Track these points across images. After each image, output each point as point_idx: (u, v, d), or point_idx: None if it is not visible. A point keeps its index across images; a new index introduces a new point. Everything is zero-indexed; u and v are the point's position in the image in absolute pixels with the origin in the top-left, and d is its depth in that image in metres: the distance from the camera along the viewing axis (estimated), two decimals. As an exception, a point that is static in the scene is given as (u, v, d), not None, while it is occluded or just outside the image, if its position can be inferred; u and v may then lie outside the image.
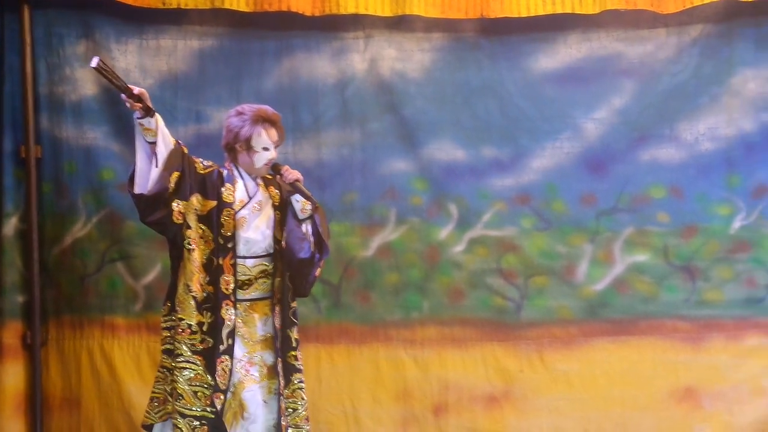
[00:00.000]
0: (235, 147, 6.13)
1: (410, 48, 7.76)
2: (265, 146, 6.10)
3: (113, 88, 5.92)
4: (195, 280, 5.94)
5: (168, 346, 6.01)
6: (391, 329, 7.69)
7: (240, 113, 6.15)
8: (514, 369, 7.65)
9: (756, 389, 7.61)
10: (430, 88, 7.76)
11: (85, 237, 7.55)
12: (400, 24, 7.71)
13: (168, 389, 6.01)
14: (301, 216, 6.09)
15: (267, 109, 6.24)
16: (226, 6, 7.35)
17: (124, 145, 7.47)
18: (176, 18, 7.59)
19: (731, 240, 7.72)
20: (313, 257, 6.11)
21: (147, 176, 5.85)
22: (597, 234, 7.73)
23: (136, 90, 5.82)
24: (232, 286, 5.99)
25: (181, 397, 5.89)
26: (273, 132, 6.15)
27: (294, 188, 6.06)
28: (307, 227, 6.13)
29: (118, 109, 7.39)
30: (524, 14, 7.55)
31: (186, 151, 6.01)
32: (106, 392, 7.48)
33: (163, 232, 6.07)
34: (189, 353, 5.90)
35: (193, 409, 5.89)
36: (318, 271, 6.22)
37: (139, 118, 5.85)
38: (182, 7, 7.37)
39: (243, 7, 7.37)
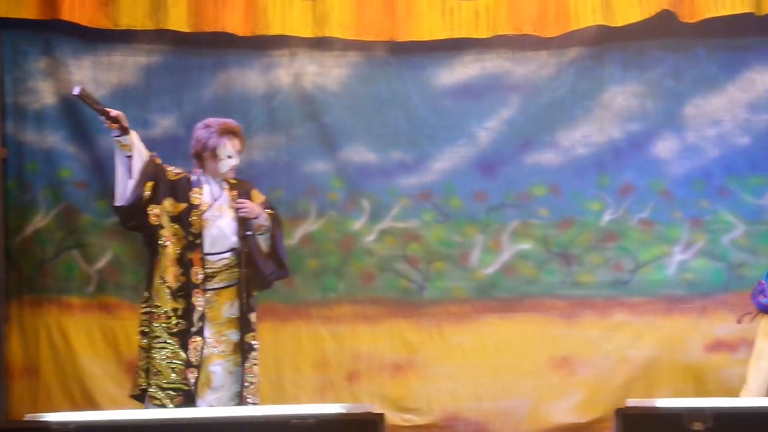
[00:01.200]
0: (203, 155, 6.50)
1: (329, 65, 7.99)
2: (229, 154, 6.49)
3: (94, 111, 6.30)
4: (169, 272, 6.34)
5: (144, 329, 6.40)
6: (312, 308, 7.93)
7: (207, 126, 6.54)
8: (417, 341, 7.90)
9: (622, 359, 7.83)
10: (346, 99, 8.01)
11: (44, 227, 7.90)
12: (320, 44, 7.92)
13: (142, 365, 6.41)
14: (256, 232, 6.56)
15: (231, 122, 6.59)
16: (170, 27, 7.61)
17: (79, 148, 7.84)
18: (126, 37, 7.83)
19: (601, 231, 7.95)
20: (276, 277, 6.70)
21: (125, 189, 6.27)
22: (487, 226, 7.99)
23: (114, 112, 6.19)
24: (200, 276, 6.34)
25: (159, 373, 6.31)
26: (236, 142, 6.53)
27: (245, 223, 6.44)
28: (265, 242, 6.62)
29: (75, 117, 7.78)
30: (427, 38, 7.72)
31: (159, 161, 6.41)
32: (62, 362, 7.81)
33: (141, 233, 6.49)
34: (166, 335, 6.33)
35: (171, 382, 6.32)
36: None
37: (116, 137, 6.27)
38: (131, 28, 7.67)
39: (184, 28, 7.61)
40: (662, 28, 7.77)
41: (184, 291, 6.37)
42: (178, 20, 7.65)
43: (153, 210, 6.37)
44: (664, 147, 8.00)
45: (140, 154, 6.35)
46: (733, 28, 7.80)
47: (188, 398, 6.32)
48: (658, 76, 7.99)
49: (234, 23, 7.68)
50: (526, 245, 8.05)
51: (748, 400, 5.96)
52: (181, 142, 7.79)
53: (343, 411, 5.51)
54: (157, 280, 6.41)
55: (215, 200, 6.54)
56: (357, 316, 8.00)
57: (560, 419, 7.88)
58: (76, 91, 6.19)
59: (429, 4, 7.75)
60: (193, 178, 6.55)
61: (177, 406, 6.31)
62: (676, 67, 7.98)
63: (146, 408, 6.37)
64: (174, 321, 6.37)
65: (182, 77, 8.01)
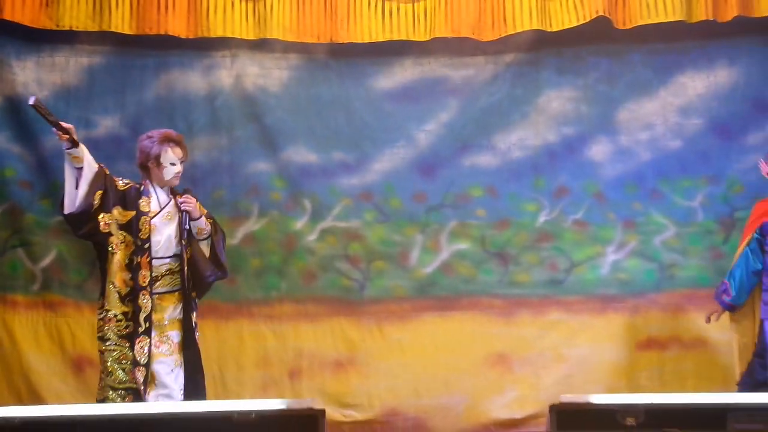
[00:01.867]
0: (148, 165, 6.56)
1: (270, 66, 8.05)
2: (172, 162, 6.55)
3: (47, 122, 6.27)
4: (118, 278, 6.43)
5: (100, 334, 6.49)
6: (254, 306, 7.95)
7: (149, 137, 6.61)
8: (358, 339, 7.95)
9: (557, 356, 7.92)
10: (288, 101, 8.05)
11: (-11, 226, 7.83)
12: (261, 46, 7.96)
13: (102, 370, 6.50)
14: (197, 237, 6.63)
15: (171, 132, 6.67)
16: (113, 29, 7.58)
17: (24, 148, 7.81)
18: (69, 38, 7.84)
19: (537, 232, 8.02)
20: (215, 279, 6.75)
21: (74, 197, 6.32)
22: (427, 226, 8.04)
23: (65, 125, 6.20)
24: (147, 279, 6.43)
25: (111, 374, 6.42)
26: (178, 150, 6.59)
27: (187, 214, 6.54)
28: (206, 247, 6.67)
29: (19, 117, 7.75)
30: (366, 40, 7.72)
31: (107, 172, 6.43)
32: (8, 358, 7.80)
33: (93, 241, 6.52)
34: (116, 338, 6.42)
35: (121, 382, 6.42)
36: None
37: (67, 149, 6.29)
38: (74, 28, 7.60)
39: (127, 30, 7.59)
40: (597, 34, 7.86)
41: (132, 294, 6.46)
42: (121, 22, 7.63)
43: (103, 218, 6.45)
44: (598, 150, 8.11)
45: (90, 166, 6.39)
46: (666, 35, 7.90)
47: (137, 397, 6.41)
48: (593, 81, 8.12)
49: (176, 26, 7.67)
50: (464, 245, 8.11)
51: (677, 396, 6.03)
52: (124, 142, 7.86)
53: (284, 406, 5.54)
54: (108, 286, 6.49)
55: (162, 208, 6.60)
56: (299, 315, 8.02)
57: (497, 415, 7.92)
58: (31, 101, 6.17)
59: (369, 6, 7.77)
60: (141, 187, 6.60)
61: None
62: (610, 73, 8.11)
63: None
64: (123, 324, 6.47)
65: (125, 78, 8.02)
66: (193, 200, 6.62)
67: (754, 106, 8.04)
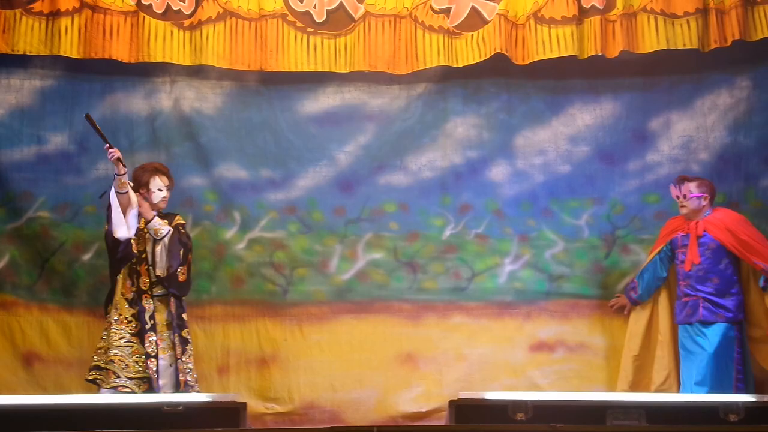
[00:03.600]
0: (140, 191, 7.05)
1: (206, 91, 8.02)
2: (159, 188, 7.10)
3: (100, 137, 6.91)
4: (126, 287, 7.02)
5: (107, 332, 7.01)
6: (186, 308, 7.62)
7: (141, 168, 7.18)
8: (280, 338, 7.90)
9: (459, 356, 7.92)
10: (221, 122, 8.01)
11: (-54, 232, 7.73)
12: (198, 72, 7.93)
13: (100, 362, 6.94)
14: (155, 237, 7.07)
15: (160, 164, 7.28)
16: (62, 53, 7.52)
17: None
18: (23, 62, 7.79)
19: (443, 244, 8.03)
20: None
21: (127, 223, 6.89)
22: (345, 237, 8.03)
23: (117, 152, 6.73)
24: (147, 284, 7.03)
25: (127, 367, 6.84)
26: (164, 178, 7.15)
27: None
28: (163, 247, 7.07)
29: None
30: (293, 69, 7.70)
31: None
32: None
33: (126, 260, 7.03)
34: (129, 336, 6.94)
35: (137, 372, 6.89)
36: (181, 277, 7.11)
37: (120, 174, 6.86)
38: (27, 53, 7.55)
39: (74, 54, 7.51)
40: (497, 69, 7.90)
41: (137, 298, 7.02)
42: (70, 47, 7.55)
43: (134, 240, 7.05)
44: (498, 172, 8.15)
45: (131, 191, 6.99)
46: (558, 71, 7.97)
47: (151, 385, 6.89)
48: (494, 110, 8.15)
49: (120, 51, 7.62)
50: (378, 255, 8.11)
51: (561, 394, 6.11)
52: (71, 158, 7.90)
53: (209, 400, 5.54)
54: (117, 296, 7.04)
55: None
56: (227, 316, 7.97)
57: (404, 408, 7.91)
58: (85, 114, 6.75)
59: (295, 39, 7.75)
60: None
61: (144, 392, 6.83)
62: (509, 103, 8.15)
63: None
64: (134, 324, 6.99)
65: (73, 99, 7.94)
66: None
67: (635, 136, 8.15)
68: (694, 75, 8.11)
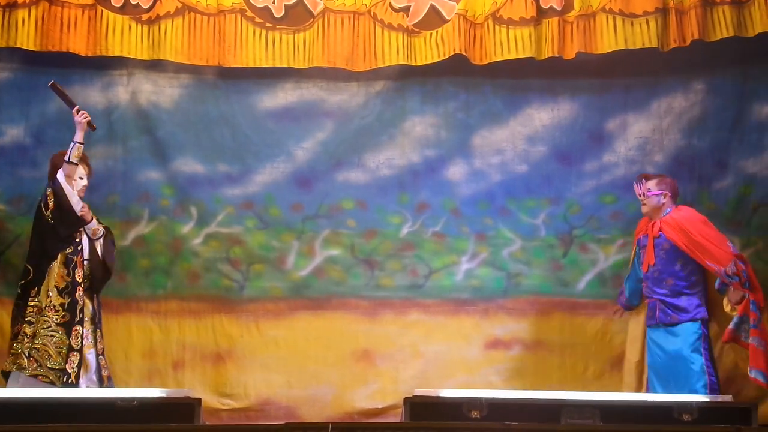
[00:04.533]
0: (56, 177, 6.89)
1: (163, 85, 7.99)
2: (81, 176, 6.94)
3: (65, 103, 6.91)
4: (57, 273, 6.79)
5: (30, 319, 6.78)
6: (142, 302, 7.86)
7: (60, 155, 6.92)
8: (236, 334, 7.87)
9: (415, 352, 7.93)
10: (178, 116, 7.99)
11: None
12: (155, 66, 7.89)
13: (23, 349, 6.72)
14: (93, 237, 7.02)
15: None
16: (18, 45, 7.46)
17: None
18: None
19: (401, 241, 8.04)
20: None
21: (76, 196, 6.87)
22: (303, 233, 8.00)
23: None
24: (81, 276, 6.85)
25: (50, 357, 6.62)
26: (85, 167, 7.02)
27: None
28: (99, 247, 7.02)
29: None
30: (251, 65, 7.69)
31: None
32: None
33: (62, 240, 6.87)
34: (54, 325, 6.70)
35: (58, 364, 6.66)
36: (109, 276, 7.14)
37: (79, 143, 6.88)
38: None
39: (32, 47, 7.48)
40: (456, 69, 7.90)
41: (70, 288, 6.80)
42: (27, 39, 7.49)
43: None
44: (455, 171, 8.15)
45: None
46: (516, 71, 7.97)
47: (69, 379, 6.66)
48: (452, 109, 8.16)
49: (78, 44, 7.57)
50: (335, 251, 8.09)
51: (516, 392, 6.10)
52: (27, 150, 7.84)
53: (164, 395, 5.49)
54: (49, 280, 6.81)
55: None
56: (183, 311, 7.93)
57: (361, 405, 7.89)
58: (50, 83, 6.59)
59: (254, 35, 7.73)
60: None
61: (63, 385, 6.60)
62: (467, 103, 8.16)
63: (26, 385, 6.66)
64: (61, 313, 6.75)
65: (30, 92, 7.88)
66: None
67: (591, 137, 8.17)
68: (650, 78, 8.15)
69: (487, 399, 5.49)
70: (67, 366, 6.68)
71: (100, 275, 7.04)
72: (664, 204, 7.31)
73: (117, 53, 7.66)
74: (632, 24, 7.71)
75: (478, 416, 5.42)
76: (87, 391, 6.49)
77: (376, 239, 8.12)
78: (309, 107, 8.12)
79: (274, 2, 7.75)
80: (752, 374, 6.83)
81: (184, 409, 5.36)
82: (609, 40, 7.74)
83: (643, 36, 7.70)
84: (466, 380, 7.85)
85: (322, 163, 8.10)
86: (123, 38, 7.60)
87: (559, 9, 7.72)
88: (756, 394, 7.33)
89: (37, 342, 6.71)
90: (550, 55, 7.72)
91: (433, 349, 7.99)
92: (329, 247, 8.09)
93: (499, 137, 8.15)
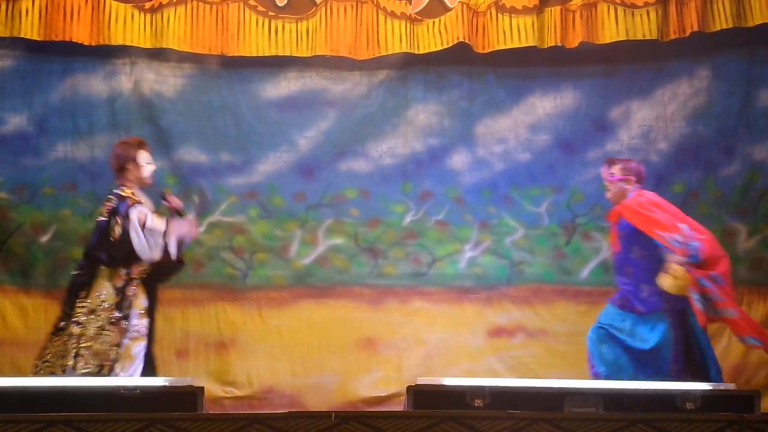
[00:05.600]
0: (126, 167, 6.34)
1: (166, 74, 8.01)
2: (148, 161, 6.40)
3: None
4: (119, 274, 6.31)
5: (80, 319, 6.29)
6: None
7: (124, 143, 6.46)
8: (240, 323, 7.88)
9: (419, 340, 7.95)
10: (181, 105, 8.00)
11: None
12: (158, 55, 7.93)
13: (72, 349, 6.29)
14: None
15: (140, 138, 6.58)
16: (22, 35, 7.49)
17: None
18: None
19: (404, 230, 8.06)
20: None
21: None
22: (306, 222, 8.02)
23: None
24: (136, 272, 6.37)
25: (99, 354, 6.24)
26: (148, 153, 6.42)
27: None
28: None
29: None
30: (254, 54, 7.74)
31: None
32: None
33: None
34: (107, 324, 6.28)
35: (106, 360, 6.27)
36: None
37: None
38: None
39: (35, 36, 7.52)
40: (459, 57, 7.90)
41: (124, 285, 6.36)
42: (30, 29, 7.52)
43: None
44: (458, 160, 8.16)
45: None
46: (519, 59, 7.97)
47: (111, 373, 6.32)
48: (455, 98, 8.17)
49: (81, 34, 7.59)
50: (338, 240, 8.11)
51: (520, 380, 6.09)
52: (30, 139, 7.85)
53: (167, 383, 5.49)
54: (102, 279, 6.33)
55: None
56: (186, 300, 7.93)
57: (364, 393, 7.89)
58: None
59: (257, 23, 7.77)
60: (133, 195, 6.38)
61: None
62: (470, 91, 8.16)
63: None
64: (115, 313, 6.33)
65: (33, 81, 7.91)
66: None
67: (594, 125, 8.16)
68: (654, 64, 8.13)
69: (490, 387, 5.47)
70: (116, 365, 6.36)
71: (167, 270, 6.66)
72: (627, 189, 6.75)
73: (120, 42, 7.70)
74: (633, 15, 7.74)
75: (481, 404, 5.40)
76: (90, 379, 6.43)
77: (380, 228, 8.13)
78: (312, 96, 8.13)
79: (277, -9, 7.77)
80: (745, 342, 6.65)
81: (187, 397, 5.33)
82: (610, 30, 7.76)
83: (644, 27, 7.73)
84: (469, 368, 7.85)
85: (325, 152, 8.11)
86: (126, 27, 7.63)
87: (561, -3, 7.75)
88: (763, 383, 7.33)
89: (86, 341, 6.35)
90: (553, 44, 7.74)
91: (437, 338, 8.00)
92: (332, 236, 8.10)
93: (502, 126, 8.16)
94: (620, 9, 7.75)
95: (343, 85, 8.13)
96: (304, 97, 8.12)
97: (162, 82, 8.02)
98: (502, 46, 7.74)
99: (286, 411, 5.86)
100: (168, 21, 7.65)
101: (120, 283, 6.39)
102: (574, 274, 8.04)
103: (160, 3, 7.65)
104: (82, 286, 6.45)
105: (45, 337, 6.53)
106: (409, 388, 5.49)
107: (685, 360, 6.61)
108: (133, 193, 6.33)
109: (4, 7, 7.47)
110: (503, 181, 8.12)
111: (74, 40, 7.58)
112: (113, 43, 7.68)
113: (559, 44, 7.71)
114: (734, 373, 7.56)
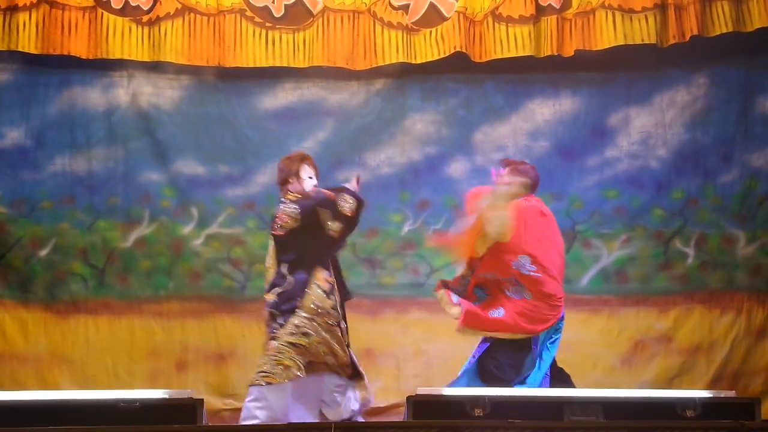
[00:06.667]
0: (289, 180, 6.40)
1: (163, 86, 8.03)
2: (309, 176, 6.44)
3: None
4: (320, 276, 6.27)
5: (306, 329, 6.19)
6: (144, 304, 7.88)
7: (288, 158, 6.52)
8: (238, 334, 7.86)
9: (417, 351, 7.93)
10: (179, 117, 8.02)
11: None
12: (156, 67, 7.94)
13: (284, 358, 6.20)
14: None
15: (305, 152, 6.66)
16: (20, 48, 7.51)
17: None
18: None
19: (402, 240, 8.05)
20: None
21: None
22: (307, 231, 8.20)
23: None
24: (334, 275, 6.37)
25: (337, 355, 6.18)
26: (312, 167, 6.48)
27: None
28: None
29: None
30: (251, 65, 7.75)
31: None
32: None
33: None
34: (323, 331, 6.19)
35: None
36: None
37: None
38: None
39: (32, 50, 7.54)
40: (456, 65, 7.91)
41: (331, 289, 6.31)
42: (28, 42, 7.54)
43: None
44: (457, 168, 8.15)
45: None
46: (516, 67, 7.98)
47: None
48: (452, 106, 8.17)
49: (78, 47, 7.62)
50: (336, 250, 8.08)
51: (519, 390, 6.07)
52: (28, 152, 7.87)
53: (166, 396, 5.50)
54: (312, 286, 6.27)
55: None
56: (185, 312, 7.95)
57: (363, 403, 7.87)
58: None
59: (254, 34, 7.78)
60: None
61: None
62: (468, 99, 8.17)
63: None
64: (334, 317, 6.27)
65: (30, 94, 7.94)
66: None
67: (593, 132, 8.17)
68: (652, 71, 8.15)
69: (490, 397, 5.48)
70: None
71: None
72: (512, 194, 6.35)
73: (117, 55, 7.72)
74: (631, 20, 7.75)
75: (481, 414, 5.42)
76: (90, 392, 6.43)
77: (378, 238, 8.11)
78: (309, 107, 8.15)
79: (273, 2, 7.80)
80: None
81: (186, 409, 5.35)
82: (608, 36, 7.77)
83: (642, 32, 7.74)
84: (470, 379, 7.82)
85: (323, 162, 7.68)
86: (123, 40, 7.65)
87: (558, 7, 7.77)
88: (762, 389, 7.33)
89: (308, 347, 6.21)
90: (550, 53, 7.75)
91: (435, 348, 7.95)
92: (331, 246, 8.08)
93: (500, 133, 8.16)
94: (618, 14, 7.77)
95: (340, 95, 8.14)
96: (301, 108, 8.13)
97: (159, 94, 8.04)
98: (498, 56, 7.76)
99: (285, 423, 5.89)
100: (165, 34, 7.67)
101: (327, 286, 6.32)
102: (574, 282, 7.96)
103: (158, 16, 7.67)
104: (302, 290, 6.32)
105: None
106: (408, 398, 5.49)
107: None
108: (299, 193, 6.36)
109: (1, 20, 7.49)
110: (502, 189, 8.10)
111: (72, 53, 7.61)
112: (111, 56, 7.70)
113: (556, 53, 7.72)
114: (733, 379, 7.55)
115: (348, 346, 6.36)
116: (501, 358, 6.31)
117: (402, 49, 7.73)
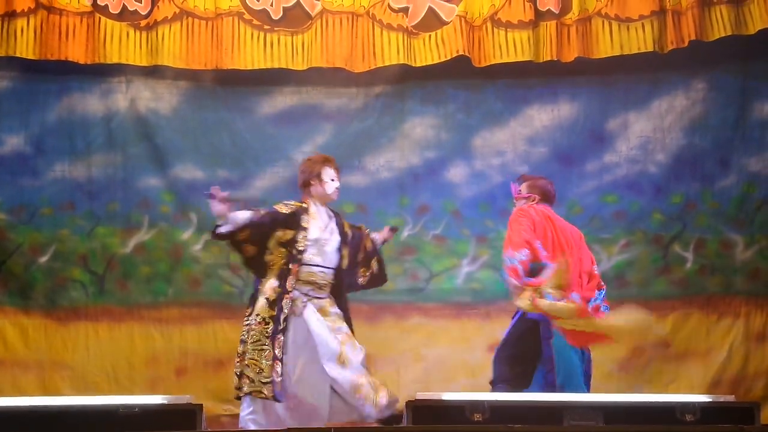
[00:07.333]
0: (311, 182, 6.47)
1: (162, 91, 8.03)
2: (332, 178, 6.48)
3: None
4: (268, 286, 6.33)
5: (243, 337, 6.39)
6: (143, 310, 7.89)
7: (309, 159, 6.59)
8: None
9: (417, 356, 7.92)
10: (177, 122, 8.03)
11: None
12: (154, 72, 7.94)
13: (237, 370, 6.38)
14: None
15: (327, 155, 6.66)
16: (17, 54, 7.53)
17: None
18: None
19: (401, 245, 7.99)
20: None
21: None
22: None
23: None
24: (291, 283, 6.31)
25: (262, 371, 6.23)
26: (334, 169, 6.52)
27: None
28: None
29: None
30: (249, 67, 7.75)
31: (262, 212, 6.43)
32: None
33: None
34: (264, 338, 6.29)
35: (267, 377, 6.22)
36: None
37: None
38: None
39: (31, 56, 7.56)
40: (456, 70, 7.91)
41: (277, 298, 6.32)
42: (25, 48, 7.56)
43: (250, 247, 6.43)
44: (456, 173, 8.16)
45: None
46: (516, 72, 7.99)
47: (275, 387, 6.26)
48: (452, 110, 8.18)
49: (76, 52, 7.64)
50: (336, 257, 8.07)
51: (519, 395, 6.07)
52: (27, 159, 7.87)
53: (166, 401, 5.48)
54: (260, 297, 6.37)
55: (326, 225, 6.52)
56: (184, 318, 7.95)
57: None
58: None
59: (252, 37, 7.81)
60: (305, 206, 6.50)
61: (270, 396, 6.25)
62: (467, 104, 8.17)
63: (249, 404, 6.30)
64: (271, 326, 6.30)
65: (29, 100, 7.93)
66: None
67: (592, 137, 8.17)
68: (651, 76, 8.15)
69: (489, 402, 5.46)
70: (273, 377, 6.26)
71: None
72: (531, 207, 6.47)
73: (115, 60, 7.75)
74: (628, 29, 7.81)
75: (480, 419, 5.40)
76: (90, 398, 6.42)
77: (377, 243, 8.11)
78: (308, 111, 8.14)
79: (271, 4, 7.82)
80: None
81: (185, 415, 5.33)
82: (605, 45, 7.84)
83: (639, 41, 7.81)
84: (469, 383, 7.79)
85: None
86: (121, 45, 7.68)
87: (557, 12, 7.79)
88: (763, 394, 7.32)
89: (254, 358, 6.35)
90: (549, 58, 7.77)
91: (435, 353, 7.98)
92: (332, 252, 8.07)
93: (499, 138, 8.16)
94: (614, 23, 7.82)
95: (339, 100, 8.14)
96: (300, 112, 8.12)
97: (158, 99, 8.04)
98: (498, 61, 7.78)
99: (284, 428, 5.89)
100: (163, 38, 7.70)
101: (273, 297, 6.34)
102: (574, 286, 8.01)
103: (155, 20, 7.70)
104: (251, 302, 6.48)
105: None
106: (408, 403, 5.47)
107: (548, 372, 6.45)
108: (303, 202, 6.46)
109: (-1, 26, 7.44)
110: (501, 194, 7.93)
111: (70, 59, 7.63)
112: (109, 61, 7.72)
113: (555, 59, 7.73)
114: (733, 384, 7.54)
115: (281, 359, 6.31)
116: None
117: (402, 51, 7.77)
